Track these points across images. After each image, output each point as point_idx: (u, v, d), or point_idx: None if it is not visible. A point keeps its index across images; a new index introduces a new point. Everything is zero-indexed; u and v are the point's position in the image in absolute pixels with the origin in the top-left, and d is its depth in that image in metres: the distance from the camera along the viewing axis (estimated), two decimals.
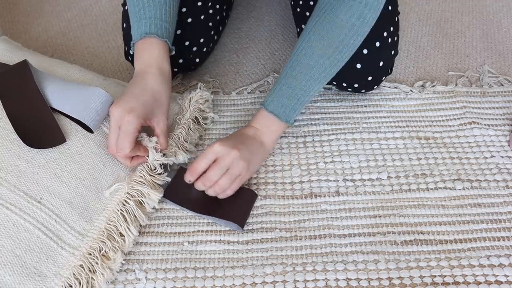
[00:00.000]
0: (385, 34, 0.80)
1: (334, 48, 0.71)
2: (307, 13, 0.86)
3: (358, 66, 0.80)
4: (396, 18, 0.84)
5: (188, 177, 0.71)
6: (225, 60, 1.02)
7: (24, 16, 1.17)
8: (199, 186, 0.71)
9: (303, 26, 0.88)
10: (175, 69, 0.91)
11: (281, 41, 1.05)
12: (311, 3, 0.86)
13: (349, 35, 0.71)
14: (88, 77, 0.83)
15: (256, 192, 0.75)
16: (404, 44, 1.03)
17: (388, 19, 0.81)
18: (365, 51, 0.79)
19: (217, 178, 0.70)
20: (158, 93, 0.71)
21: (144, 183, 0.71)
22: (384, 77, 0.85)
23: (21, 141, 0.69)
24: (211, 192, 0.71)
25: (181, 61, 0.90)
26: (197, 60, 0.93)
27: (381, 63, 0.81)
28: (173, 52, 0.78)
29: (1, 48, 0.86)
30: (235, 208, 0.72)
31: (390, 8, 0.82)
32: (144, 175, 0.72)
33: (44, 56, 0.91)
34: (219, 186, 0.70)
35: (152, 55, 0.73)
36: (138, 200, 0.70)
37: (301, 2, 0.88)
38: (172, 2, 0.76)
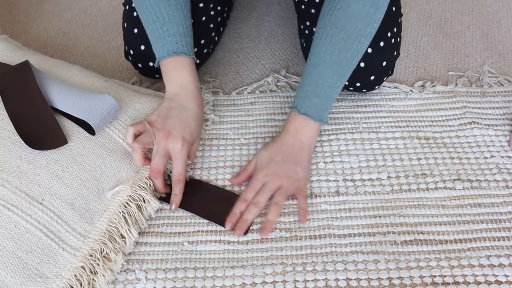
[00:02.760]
0: (389, 34, 0.81)
1: (354, 39, 0.72)
2: (312, 10, 0.86)
3: (362, 65, 0.80)
4: (400, 20, 0.84)
5: (240, 207, 0.71)
6: (225, 60, 1.02)
7: (24, 16, 1.17)
8: (251, 211, 0.70)
9: (307, 23, 0.88)
10: None
11: (281, 41, 1.06)
12: (317, 0, 0.86)
13: (365, 24, 0.71)
14: (89, 78, 0.83)
15: None
16: (404, 44, 1.03)
17: (392, 20, 0.82)
18: (369, 50, 0.79)
19: (265, 200, 0.71)
20: (199, 116, 0.77)
21: (146, 189, 0.71)
22: (385, 78, 0.86)
23: (22, 142, 0.69)
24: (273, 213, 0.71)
25: None
26: (198, 61, 0.93)
27: (384, 63, 0.82)
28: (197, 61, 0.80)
29: (2, 47, 0.86)
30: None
31: (394, 9, 0.82)
32: (148, 183, 0.72)
33: (45, 56, 0.91)
34: (277, 205, 0.71)
35: (184, 76, 0.76)
36: (138, 204, 0.70)
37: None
38: (188, 14, 0.77)
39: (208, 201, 0.73)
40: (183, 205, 0.73)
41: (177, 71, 0.76)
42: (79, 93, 0.75)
